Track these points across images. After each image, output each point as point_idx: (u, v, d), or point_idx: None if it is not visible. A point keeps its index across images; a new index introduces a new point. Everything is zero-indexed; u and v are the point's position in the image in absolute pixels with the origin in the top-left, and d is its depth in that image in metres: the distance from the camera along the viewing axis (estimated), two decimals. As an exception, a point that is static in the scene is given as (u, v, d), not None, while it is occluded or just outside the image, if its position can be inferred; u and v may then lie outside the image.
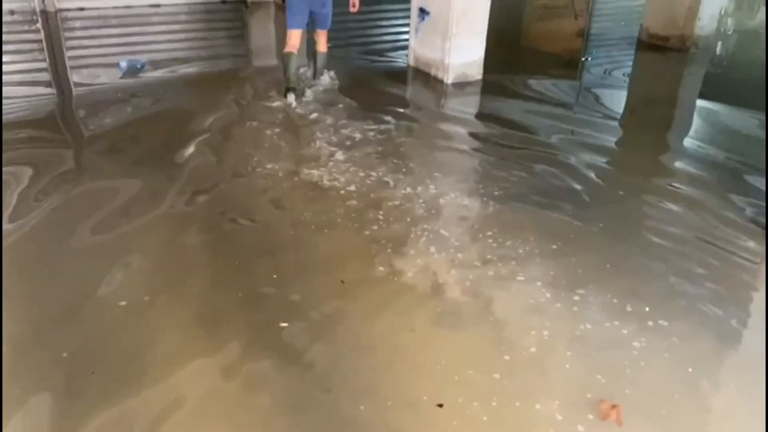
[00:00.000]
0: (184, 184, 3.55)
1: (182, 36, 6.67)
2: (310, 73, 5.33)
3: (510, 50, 6.80)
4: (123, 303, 2.54)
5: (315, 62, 5.24)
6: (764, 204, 3.45)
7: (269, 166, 3.80)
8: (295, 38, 4.80)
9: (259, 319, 2.49)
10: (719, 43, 7.50)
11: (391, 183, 3.63)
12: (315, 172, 3.74)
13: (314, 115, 4.65)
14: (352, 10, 5.00)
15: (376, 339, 2.42)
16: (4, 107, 4.49)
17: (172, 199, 3.40)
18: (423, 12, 5.46)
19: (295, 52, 4.82)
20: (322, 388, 2.17)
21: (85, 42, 6.56)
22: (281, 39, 7.13)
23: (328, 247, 3.02)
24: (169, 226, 3.16)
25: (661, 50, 6.63)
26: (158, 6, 7.67)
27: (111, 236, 3.04)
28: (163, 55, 5.93)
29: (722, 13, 10.47)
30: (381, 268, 2.83)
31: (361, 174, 3.72)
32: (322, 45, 5.15)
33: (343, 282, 2.73)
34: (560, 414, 2.10)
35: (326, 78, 5.26)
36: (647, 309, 2.62)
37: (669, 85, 5.95)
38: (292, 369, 2.25)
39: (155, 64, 5.64)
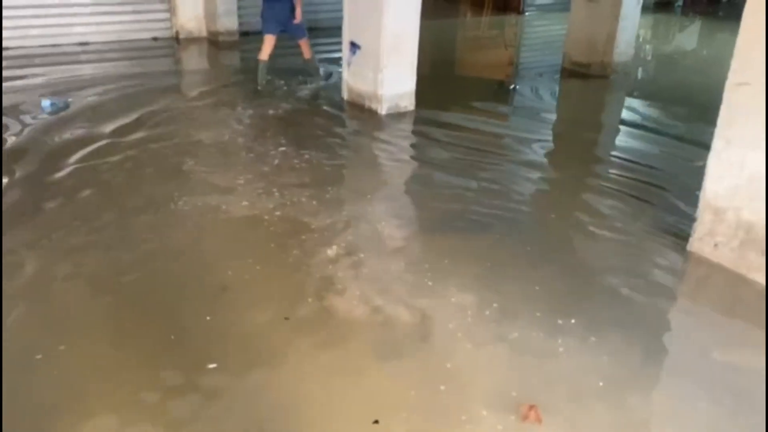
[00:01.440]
0: (106, 222, 3.48)
1: (112, 73, 6.53)
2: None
3: (443, 80, 6.96)
4: (39, 356, 2.44)
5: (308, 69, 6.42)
6: (684, 220, 3.62)
7: (196, 199, 3.77)
8: (268, 43, 6.07)
9: (191, 360, 2.44)
10: (639, 68, 7.94)
11: (325, 212, 3.65)
12: (244, 203, 3.73)
13: (246, 147, 4.67)
14: (296, 21, 6.10)
15: (316, 372, 2.40)
16: None
17: (101, 237, 3.31)
18: (354, 46, 5.55)
19: (265, 58, 6.09)
20: (257, 428, 2.14)
21: (6, 84, 6.34)
22: (216, 74, 7.13)
23: (263, 281, 2.99)
24: (100, 265, 3.07)
25: (583, 76, 6.94)
26: (86, 44, 7.52)
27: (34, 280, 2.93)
28: (90, 94, 5.79)
29: (641, 40, 11.11)
30: (312, 300, 2.83)
31: (293, 204, 3.73)
32: (306, 53, 6.31)
33: (287, 318, 2.71)
34: (488, 418, 2.19)
35: (321, 76, 6.43)
36: (573, 322, 2.71)
37: (593, 108, 6.23)
38: (222, 409, 2.21)
39: (80, 103, 5.51)
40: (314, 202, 3.77)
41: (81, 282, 2.95)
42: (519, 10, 11.02)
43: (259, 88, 6.09)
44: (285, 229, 3.46)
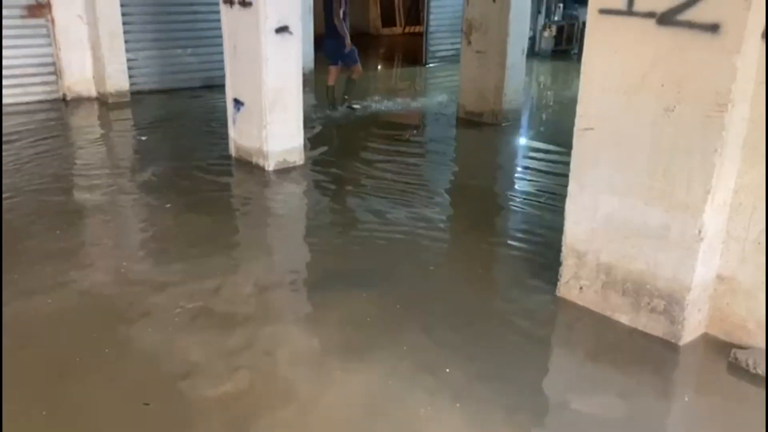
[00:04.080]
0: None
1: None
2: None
3: (338, 132, 6.96)
4: None
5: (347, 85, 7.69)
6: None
7: (44, 270, 3.51)
8: (332, 72, 7.49)
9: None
10: (535, 114, 8.22)
11: (194, 275, 3.47)
12: (103, 272, 3.51)
13: (119, 209, 4.47)
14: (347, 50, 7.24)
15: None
16: None
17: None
18: (237, 102, 5.45)
19: (331, 83, 7.50)
20: None
21: None
22: (98, 136, 6.75)
23: (115, 364, 2.75)
24: None
25: (477, 125, 7.08)
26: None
27: None
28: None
29: (541, 86, 11.53)
30: (168, 380, 2.62)
31: (159, 269, 3.54)
32: (355, 75, 7.65)
33: (147, 404, 2.48)
34: None
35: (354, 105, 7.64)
36: (440, 377, 2.61)
37: (483, 156, 6.29)
38: None
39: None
40: (181, 264, 3.59)
41: None
42: (422, 62, 11.32)
43: (328, 110, 7.44)
44: (144, 298, 3.23)
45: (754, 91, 2.59)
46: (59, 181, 4.99)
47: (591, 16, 2.90)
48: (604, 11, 2.84)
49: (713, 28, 2.52)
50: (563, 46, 13.16)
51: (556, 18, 12.91)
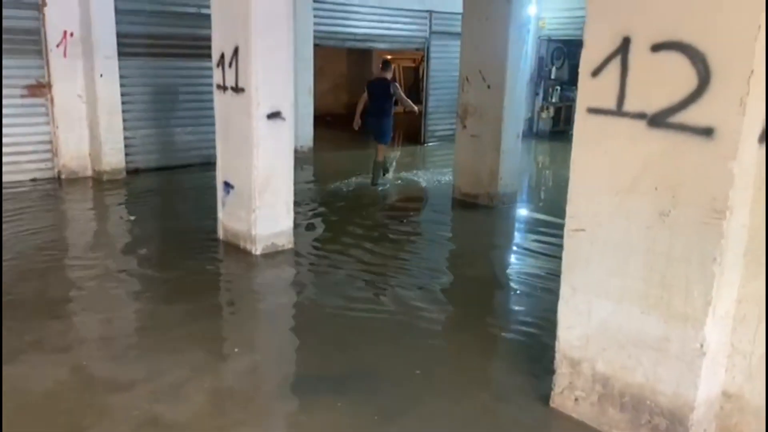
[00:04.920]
0: None
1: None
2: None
3: (335, 212, 6.85)
4: None
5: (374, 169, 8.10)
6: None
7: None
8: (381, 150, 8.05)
9: None
10: (531, 195, 8.13)
11: (170, 375, 3.25)
12: (88, 365, 3.33)
13: (103, 300, 4.25)
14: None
15: None
16: None
17: None
18: (227, 186, 5.36)
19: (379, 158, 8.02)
20: None
21: None
22: (103, 224, 6.65)
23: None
24: None
25: (472, 206, 6.98)
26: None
27: None
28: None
29: (540, 166, 11.52)
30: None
31: (119, 364, 3.32)
32: (379, 155, 8.01)
33: None
34: None
35: (389, 176, 8.33)
36: None
37: (477, 240, 6.13)
38: None
39: None
40: (149, 361, 3.37)
41: None
42: (421, 141, 11.40)
43: (376, 182, 7.97)
44: (102, 399, 3.00)
45: (753, 197, 2.46)
46: (34, 264, 4.82)
47: (579, 115, 2.81)
48: (592, 110, 2.75)
49: (707, 131, 2.41)
50: (561, 126, 13.30)
51: (553, 100, 13.09)
